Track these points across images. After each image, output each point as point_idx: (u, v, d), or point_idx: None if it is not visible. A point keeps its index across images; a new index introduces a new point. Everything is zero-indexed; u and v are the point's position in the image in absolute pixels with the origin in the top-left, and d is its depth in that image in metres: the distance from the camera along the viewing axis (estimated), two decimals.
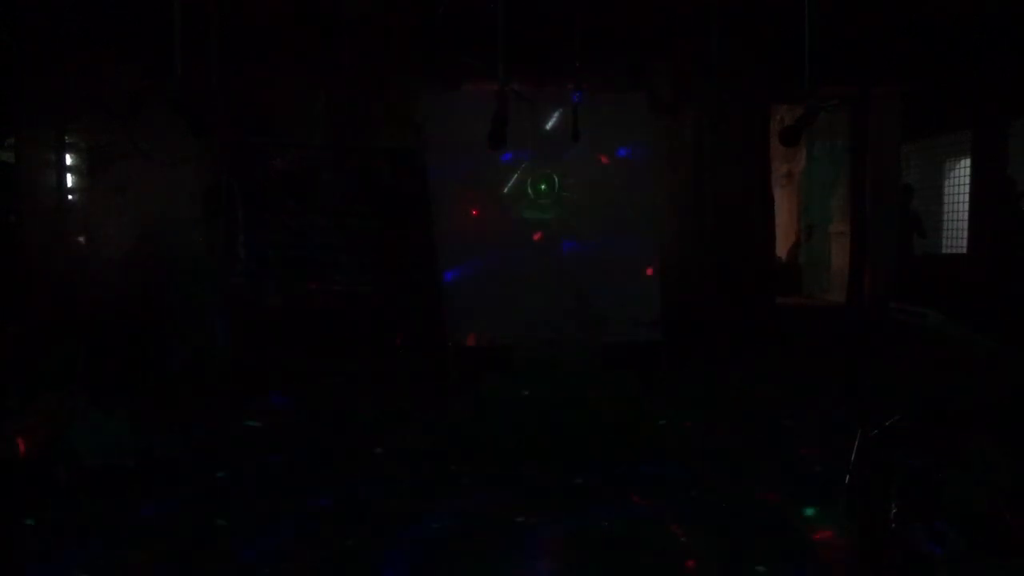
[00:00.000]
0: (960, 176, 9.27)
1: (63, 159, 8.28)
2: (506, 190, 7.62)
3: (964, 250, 8.91)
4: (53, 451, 5.02)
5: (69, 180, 8.38)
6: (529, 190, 7.63)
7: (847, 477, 4.49)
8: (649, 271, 7.69)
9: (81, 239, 8.37)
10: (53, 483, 4.85)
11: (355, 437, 6.28)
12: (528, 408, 6.17)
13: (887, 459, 4.03)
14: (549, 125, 7.53)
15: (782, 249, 11.85)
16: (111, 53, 7.66)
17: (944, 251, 9.50)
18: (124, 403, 5.52)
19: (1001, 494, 3.88)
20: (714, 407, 7.02)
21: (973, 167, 8.70)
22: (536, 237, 7.63)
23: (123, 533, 4.37)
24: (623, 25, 7.76)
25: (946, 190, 9.58)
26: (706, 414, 6.75)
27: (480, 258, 7.55)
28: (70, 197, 8.41)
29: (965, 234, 8.98)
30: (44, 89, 7.78)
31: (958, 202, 9.27)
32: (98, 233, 8.37)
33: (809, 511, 4.52)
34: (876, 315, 7.90)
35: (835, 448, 4.94)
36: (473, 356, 7.31)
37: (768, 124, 9.20)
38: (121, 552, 4.13)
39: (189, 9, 5.27)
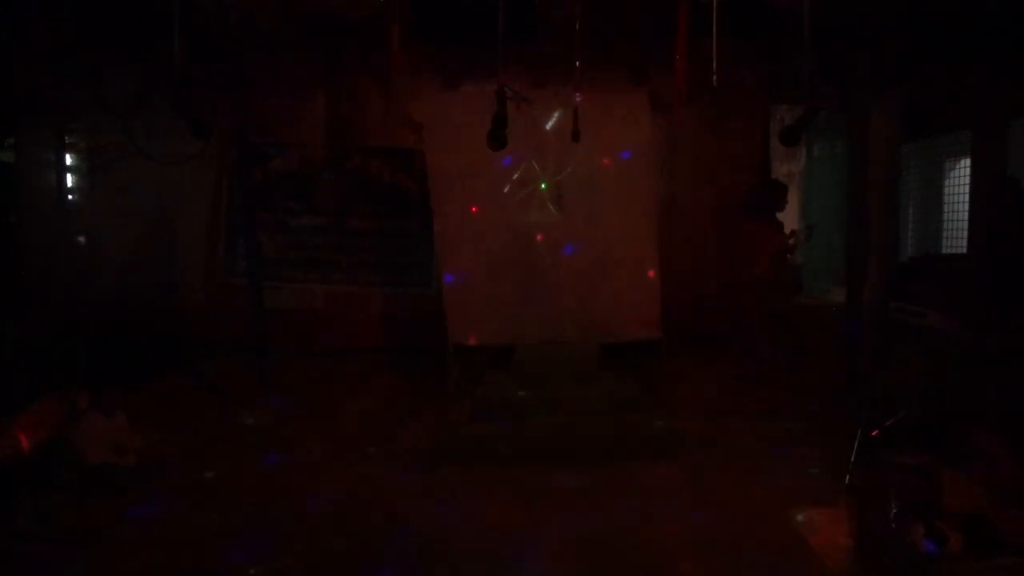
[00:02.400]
0: (960, 176, 9.25)
1: (63, 159, 8.28)
2: (506, 190, 7.61)
3: (964, 250, 8.90)
4: (53, 451, 5.02)
5: (69, 180, 8.38)
6: (529, 190, 7.62)
7: (847, 477, 4.50)
8: (649, 272, 7.68)
9: (81, 239, 8.38)
10: (53, 483, 4.85)
11: (354, 437, 6.28)
12: (528, 408, 6.17)
13: (887, 459, 4.04)
14: (549, 125, 7.53)
15: None
16: (111, 53, 7.65)
17: (944, 251, 9.48)
18: (124, 403, 5.53)
19: (1001, 494, 3.88)
20: (713, 407, 7.02)
21: (973, 167, 8.68)
22: (536, 237, 7.62)
23: (122, 533, 4.37)
24: (623, 25, 7.76)
25: (946, 190, 9.56)
26: (705, 414, 6.75)
27: (480, 258, 7.55)
28: (70, 197, 8.41)
29: (965, 234, 8.96)
30: (44, 89, 7.78)
31: (958, 202, 9.26)
32: (98, 233, 8.37)
33: (809, 511, 4.52)
34: (876, 315, 7.90)
35: (835, 448, 4.94)
36: (473, 356, 7.31)
37: (768, 124, 9.19)
38: (121, 552, 4.13)
39: (189, 9, 5.27)
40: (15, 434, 4.90)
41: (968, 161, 8.86)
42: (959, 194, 9.23)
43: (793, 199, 12.59)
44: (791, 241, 8.06)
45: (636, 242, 7.68)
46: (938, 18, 7.38)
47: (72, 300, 7.64)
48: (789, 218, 12.27)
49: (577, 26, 6.29)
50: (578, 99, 6.34)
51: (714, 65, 6.20)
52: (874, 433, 4.18)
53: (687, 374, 7.70)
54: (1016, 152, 8.07)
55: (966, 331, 5.10)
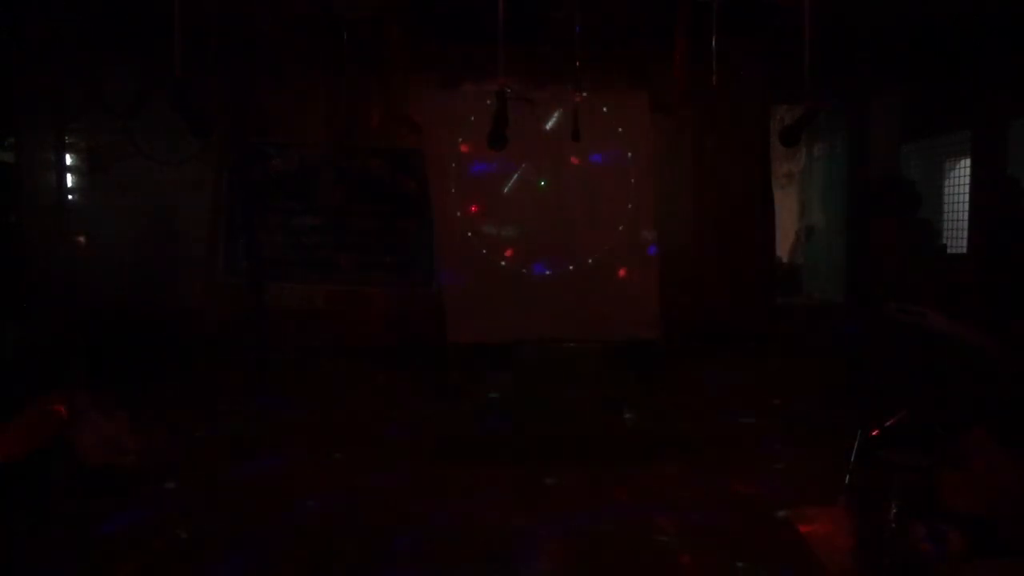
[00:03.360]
0: (960, 176, 9.26)
1: (63, 159, 8.28)
2: (506, 190, 7.62)
3: (964, 250, 8.91)
4: (53, 451, 5.02)
5: (69, 180, 8.38)
6: (529, 190, 7.63)
7: (847, 477, 4.49)
8: (649, 271, 7.69)
9: (81, 239, 8.38)
10: (53, 483, 4.84)
11: (354, 436, 6.28)
12: (528, 408, 6.17)
13: (887, 459, 4.04)
14: (549, 125, 7.53)
15: (782, 249, 11.85)
16: (111, 53, 7.65)
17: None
18: (124, 402, 5.52)
19: (1001, 494, 3.88)
20: (714, 407, 7.02)
21: (973, 167, 8.69)
22: (535, 237, 7.63)
23: (121, 533, 4.37)
24: (623, 25, 7.76)
25: (946, 190, 9.57)
26: (706, 414, 6.75)
27: (480, 257, 7.56)
28: (70, 197, 8.41)
29: (965, 234, 8.97)
30: (44, 89, 7.78)
31: (958, 202, 9.27)
32: (98, 233, 8.37)
33: (809, 511, 4.52)
34: (876, 315, 7.91)
35: (835, 448, 4.94)
36: (473, 356, 7.31)
37: (768, 124, 9.19)
38: (119, 553, 4.13)
39: (189, 9, 5.27)
40: (11, 437, 4.87)
41: (968, 161, 8.86)
42: (959, 194, 9.23)
43: (793, 199, 12.60)
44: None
45: (636, 242, 7.69)
46: (938, 18, 7.38)
47: (72, 300, 7.64)
48: (789, 218, 12.30)
49: (577, 26, 6.29)
50: (578, 99, 6.34)
51: (714, 65, 6.20)
52: (874, 433, 4.17)
53: (687, 374, 7.70)
54: (1016, 152, 8.07)
55: (966, 331, 5.08)
